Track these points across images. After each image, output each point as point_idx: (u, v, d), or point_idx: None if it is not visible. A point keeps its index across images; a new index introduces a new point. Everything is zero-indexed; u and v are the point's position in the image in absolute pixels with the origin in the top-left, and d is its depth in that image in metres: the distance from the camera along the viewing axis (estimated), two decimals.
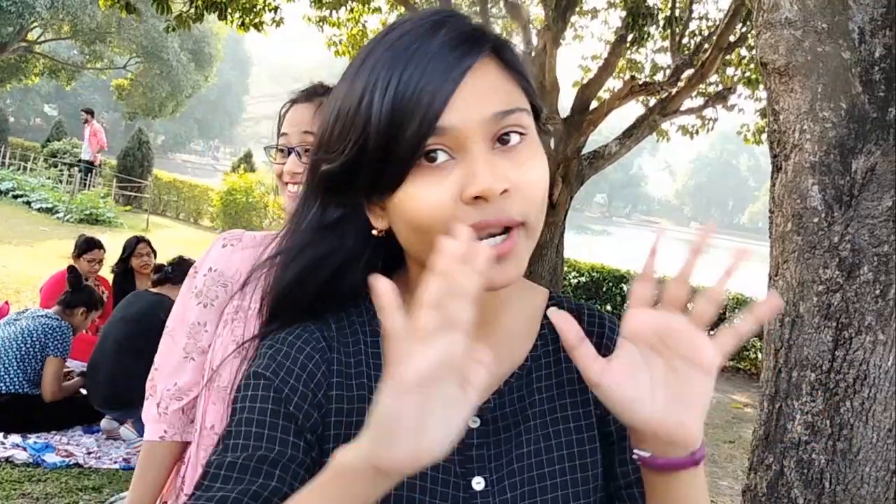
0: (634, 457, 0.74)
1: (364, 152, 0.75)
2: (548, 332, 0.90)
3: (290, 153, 1.50)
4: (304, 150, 1.48)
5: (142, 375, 4.63)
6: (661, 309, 0.70)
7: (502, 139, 0.75)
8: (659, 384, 0.69)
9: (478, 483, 0.81)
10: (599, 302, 11.45)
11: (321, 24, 10.36)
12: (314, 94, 1.59)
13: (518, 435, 0.84)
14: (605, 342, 0.91)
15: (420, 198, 0.73)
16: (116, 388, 4.35)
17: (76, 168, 16.79)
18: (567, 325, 0.69)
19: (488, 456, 0.83)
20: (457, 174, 0.73)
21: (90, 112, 17.12)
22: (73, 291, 4.63)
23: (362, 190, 0.79)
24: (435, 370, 0.57)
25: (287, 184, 1.51)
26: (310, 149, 1.18)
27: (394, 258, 0.88)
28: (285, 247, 0.86)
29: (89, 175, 16.62)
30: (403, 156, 0.73)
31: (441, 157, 0.74)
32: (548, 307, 0.91)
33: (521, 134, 0.76)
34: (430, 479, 0.80)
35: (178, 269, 4.69)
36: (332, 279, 0.85)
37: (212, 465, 0.76)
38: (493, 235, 0.74)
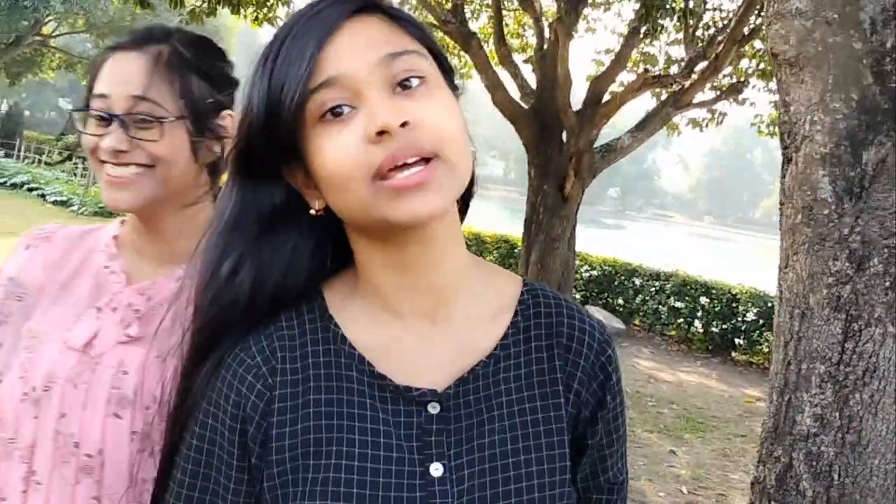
0: None
1: (262, 118, 0.77)
2: (520, 321, 0.88)
3: (110, 122, 1.08)
4: (133, 120, 1.08)
5: None
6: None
7: (403, 84, 0.76)
8: None
9: (436, 469, 0.80)
10: (611, 296, 11.44)
11: None
12: (148, 39, 1.17)
13: (481, 424, 0.82)
14: (571, 334, 0.88)
15: (328, 149, 0.75)
16: None
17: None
18: None
19: (447, 443, 0.81)
20: (359, 119, 0.74)
21: None
22: None
23: (280, 159, 0.80)
24: None
25: (104, 163, 1.10)
26: (143, 118, 1.07)
27: (341, 252, 0.88)
28: (216, 256, 0.83)
29: None
30: (293, 109, 0.75)
31: (345, 110, 0.75)
32: (522, 295, 0.90)
33: (419, 77, 0.77)
34: (384, 468, 0.79)
35: None
36: (283, 280, 0.85)
37: None
38: (409, 168, 0.74)
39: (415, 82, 0.76)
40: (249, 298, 0.83)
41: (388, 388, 0.82)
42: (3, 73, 28.16)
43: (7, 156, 18.73)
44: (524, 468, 0.82)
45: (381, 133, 0.72)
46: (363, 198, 0.74)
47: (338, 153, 0.74)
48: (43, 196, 15.16)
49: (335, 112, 0.75)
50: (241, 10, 8.82)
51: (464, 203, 0.91)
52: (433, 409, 0.82)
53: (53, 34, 27.50)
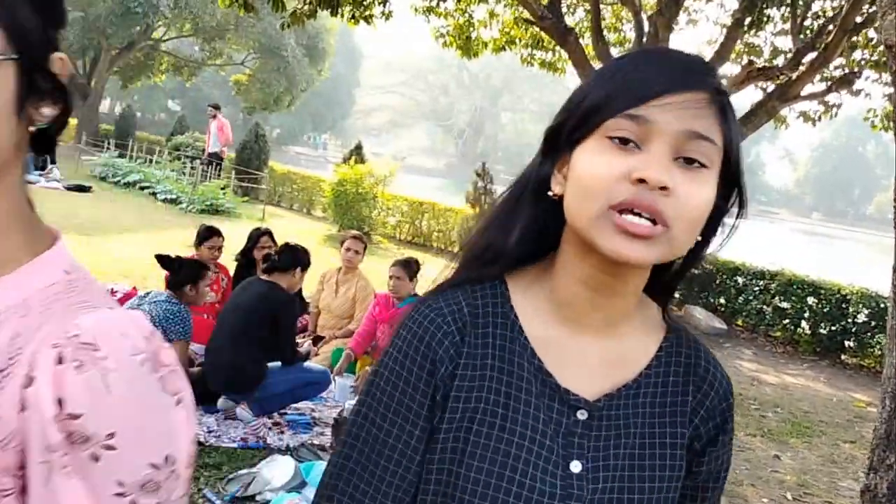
0: None
1: (582, 109, 0.88)
2: (663, 356, 0.99)
3: None
4: None
5: (256, 360, 4.83)
6: None
7: (687, 159, 0.84)
8: None
9: (575, 466, 0.92)
10: (713, 295, 11.13)
11: (428, 14, 10.45)
12: None
13: (618, 437, 0.94)
14: (704, 376, 1.00)
15: (596, 164, 0.85)
16: (233, 373, 4.56)
17: (198, 160, 17.55)
18: None
19: (589, 446, 0.93)
20: (634, 159, 0.83)
21: (217, 107, 17.85)
22: (172, 273, 4.79)
23: (565, 142, 0.90)
24: None
25: None
26: None
27: (539, 246, 0.98)
28: (505, 198, 1.00)
29: (219, 168, 17.33)
30: (603, 115, 0.85)
31: (630, 143, 0.84)
32: (668, 332, 1.01)
33: (703, 165, 0.85)
34: (535, 456, 0.91)
35: (285, 257, 4.86)
36: (518, 242, 0.97)
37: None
38: (641, 218, 0.82)
39: (696, 165, 0.84)
40: (500, 248, 0.97)
41: (550, 386, 0.94)
42: (118, 77, 29.63)
43: (121, 156, 19.63)
44: (648, 481, 0.94)
45: (640, 181, 0.81)
46: (592, 217, 0.84)
47: (600, 174, 0.84)
48: (154, 194, 15.83)
49: (623, 140, 0.84)
50: (340, 11, 8.98)
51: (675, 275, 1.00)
52: (581, 415, 0.94)
53: (163, 38, 28.74)
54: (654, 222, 0.82)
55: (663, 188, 0.81)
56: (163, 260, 4.82)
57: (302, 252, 5.02)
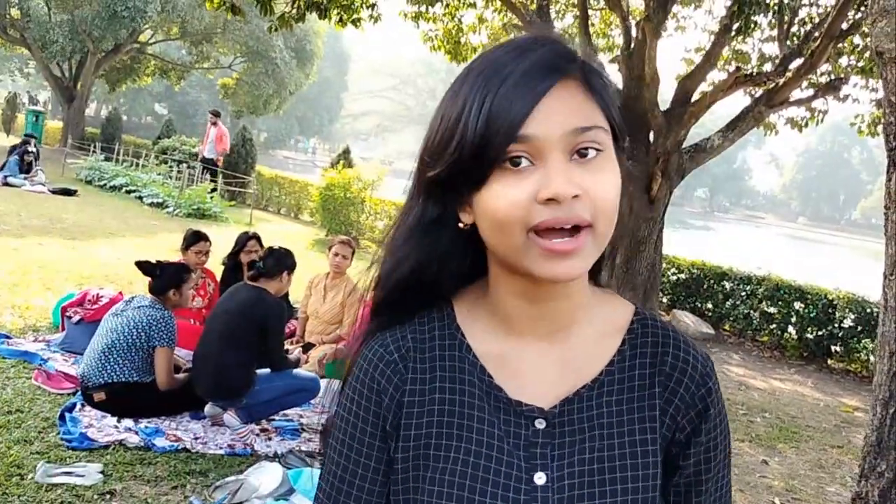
0: None
1: (461, 157, 0.85)
2: (627, 350, 0.96)
3: None
4: None
5: (245, 367, 4.80)
6: None
7: (580, 152, 0.84)
8: None
9: (539, 478, 0.89)
10: (700, 300, 11.17)
11: (417, 19, 10.45)
12: None
13: (582, 441, 0.91)
14: (675, 364, 0.95)
15: (501, 196, 0.84)
16: (221, 379, 4.51)
17: (185, 164, 17.47)
18: None
19: (551, 455, 0.90)
20: (534, 178, 0.83)
21: (217, 114, 17.80)
22: (153, 279, 4.73)
23: (457, 189, 0.89)
24: None
25: None
26: None
27: (475, 263, 0.98)
28: (391, 245, 0.98)
29: (213, 174, 17.26)
30: (491, 159, 0.83)
31: (524, 163, 0.83)
32: (632, 324, 0.98)
33: (597, 150, 0.85)
34: (493, 473, 0.89)
35: (271, 262, 4.78)
36: (432, 278, 0.96)
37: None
38: (562, 234, 0.83)
39: (591, 154, 0.85)
40: (412, 283, 0.96)
41: (502, 400, 0.93)
42: (104, 80, 29.50)
43: (107, 159, 19.53)
44: (619, 484, 0.90)
45: (550, 200, 0.81)
46: (516, 245, 0.84)
47: (509, 204, 0.83)
48: (140, 198, 15.75)
49: (514, 162, 0.83)
50: (328, 14, 8.96)
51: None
52: (539, 424, 0.91)
53: (149, 42, 28.63)
54: (576, 229, 0.83)
55: (575, 196, 0.82)
56: (143, 266, 4.77)
57: (287, 255, 4.97)
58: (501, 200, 0.83)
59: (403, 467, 0.93)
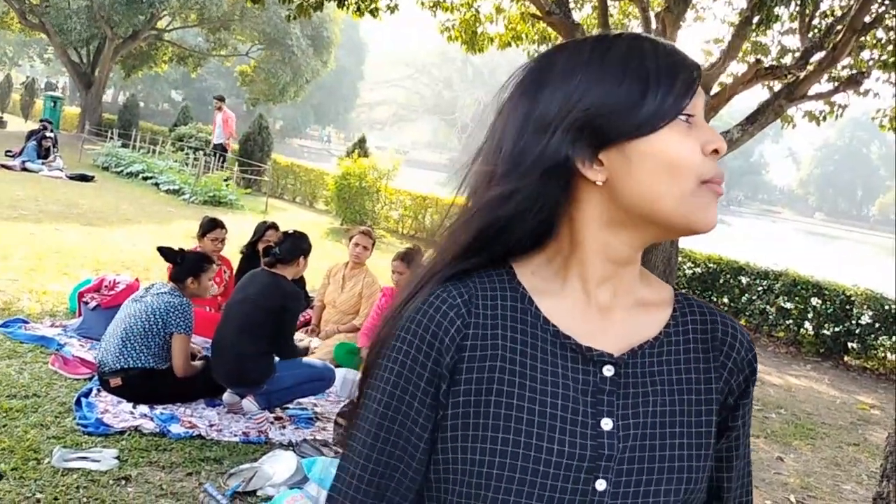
0: None
1: (646, 94, 0.89)
2: (678, 316, 1.01)
3: None
4: None
5: (264, 354, 4.81)
6: None
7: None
8: None
9: (606, 424, 0.91)
10: (716, 294, 11.10)
11: (434, 8, 10.39)
12: None
13: (646, 394, 0.94)
14: (725, 331, 1.02)
15: (678, 143, 0.89)
16: (240, 368, 4.52)
17: (202, 151, 17.53)
18: None
19: (618, 403, 0.93)
20: (698, 135, 0.91)
21: (222, 99, 17.87)
22: (174, 265, 4.75)
23: (609, 134, 0.89)
24: None
25: None
26: None
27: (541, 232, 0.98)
28: (499, 178, 0.94)
29: (223, 160, 17.34)
30: (675, 102, 0.89)
31: (691, 121, 0.91)
32: (676, 297, 1.04)
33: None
34: (560, 418, 0.90)
35: (287, 248, 4.77)
36: (520, 228, 0.95)
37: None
38: None
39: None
40: (507, 224, 0.94)
41: (570, 347, 0.94)
42: (121, 67, 29.57)
43: (124, 146, 19.59)
44: (679, 438, 0.94)
45: (714, 151, 0.90)
46: (686, 192, 0.89)
47: (688, 152, 0.89)
48: (157, 185, 15.79)
49: (689, 118, 0.90)
50: (345, 3, 8.93)
51: None
52: (608, 371, 0.94)
53: (167, 28, 28.66)
54: None
55: (716, 151, 0.91)
56: (165, 252, 4.78)
57: (302, 239, 4.95)
58: (681, 147, 0.89)
59: (464, 412, 0.92)
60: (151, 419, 4.25)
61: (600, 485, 0.90)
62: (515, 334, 0.94)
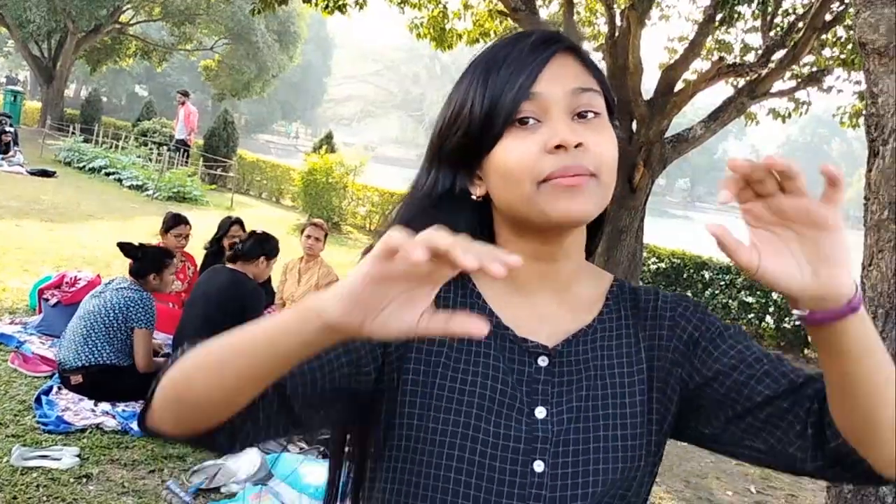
0: (795, 316, 0.83)
1: (473, 121, 0.96)
2: (612, 305, 1.06)
3: None
4: None
5: None
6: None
7: (580, 114, 0.95)
8: (799, 253, 0.78)
9: (540, 412, 0.97)
10: (679, 289, 11.23)
11: (402, 5, 10.37)
12: None
13: (580, 380, 0.99)
14: (647, 305, 1.07)
15: (512, 150, 0.94)
16: None
17: (165, 147, 17.33)
18: (723, 233, 0.77)
19: (552, 392, 0.98)
20: (542, 132, 0.93)
21: (186, 94, 17.65)
22: (134, 261, 4.69)
23: (469, 155, 0.98)
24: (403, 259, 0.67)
25: None
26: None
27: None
28: (399, 220, 1.02)
29: (186, 155, 17.15)
30: (504, 118, 0.94)
31: (531, 121, 0.94)
32: (612, 286, 1.09)
33: (595, 112, 0.96)
34: (498, 404, 0.96)
35: (250, 245, 4.77)
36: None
37: None
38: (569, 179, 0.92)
39: (590, 115, 0.96)
40: None
41: (509, 338, 1.00)
42: (84, 61, 29.09)
43: (86, 141, 19.29)
44: (611, 419, 0.98)
45: (558, 147, 0.91)
46: (527, 194, 0.93)
47: (520, 156, 0.93)
48: (120, 180, 15.58)
49: (522, 121, 0.94)
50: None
51: (596, 227, 1.10)
52: (542, 362, 0.99)
53: (130, 22, 28.25)
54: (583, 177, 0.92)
55: (578, 145, 0.91)
56: (125, 248, 4.72)
57: (269, 240, 4.93)
58: (512, 154, 0.93)
59: (411, 400, 0.97)
60: (113, 416, 4.20)
61: (538, 466, 0.95)
62: None
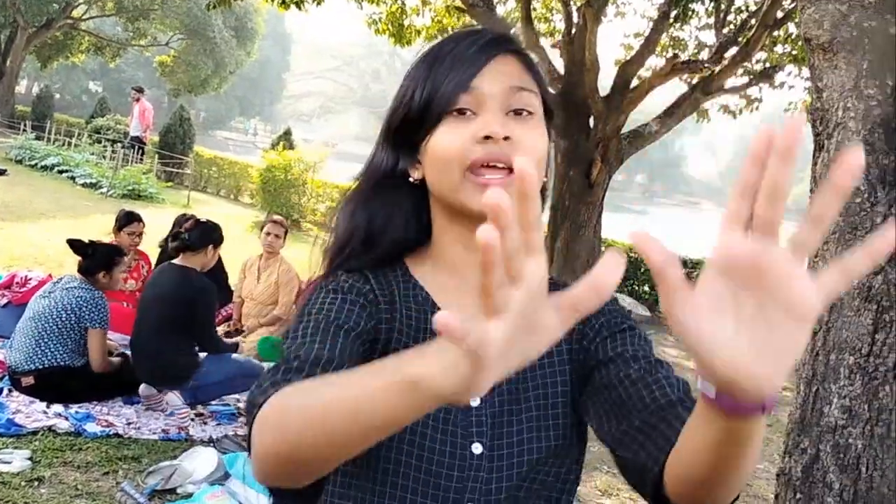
0: (699, 388, 0.69)
1: (412, 108, 1.03)
2: None
3: None
4: None
5: (185, 350, 4.72)
6: (754, 234, 0.59)
7: (516, 111, 1.01)
8: (745, 326, 0.59)
9: (476, 448, 1.00)
10: (637, 283, 11.37)
11: (360, 1, 10.34)
12: None
13: (510, 413, 1.03)
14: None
15: (444, 137, 1.00)
16: (163, 366, 4.45)
17: (119, 144, 17.05)
18: (650, 246, 0.62)
19: (488, 424, 1.02)
20: (475, 124, 0.99)
21: (140, 90, 17.37)
22: (84, 258, 4.60)
23: (411, 138, 1.04)
24: (512, 332, 0.59)
25: None
26: None
27: (426, 229, 1.10)
28: (350, 204, 1.10)
29: (141, 152, 16.89)
30: (442, 106, 1.00)
31: (467, 113, 1.00)
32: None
33: (529, 112, 1.02)
34: (436, 442, 0.99)
35: (196, 236, 4.69)
36: (386, 235, 1.08)
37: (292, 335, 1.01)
38: (496, 173, 0.97)
39: (524, 114, 1.01)
40: (366, 234, 1.08)
41: None
42: (35, 57, 28.47)
43: (38, 138, 18.89)
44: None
45: (486, 138, 0.97)
46: (454, 181, 0.99)
47: (450, 142, 0.99)
48: (73, 178, 15.29)
49: (460, 112, 1.00)
50: None
51: None
52: (474, 402, 1.02)
53: (83, 17, 27.71)
54: (509, 171, 0.96)
55: (506, 138, 0.96)
56: (75, 245, 4.63)
57: (214, 229, 4.85)
58: (444, 140, 0.99)
59: None
60: (66, 418, 4.12)
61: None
62: (419, 334, 1.05)
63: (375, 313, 1.04)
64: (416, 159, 1.06)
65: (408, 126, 1.04)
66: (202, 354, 4.63)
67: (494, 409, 1.03)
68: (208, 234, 4.76)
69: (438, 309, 1.01)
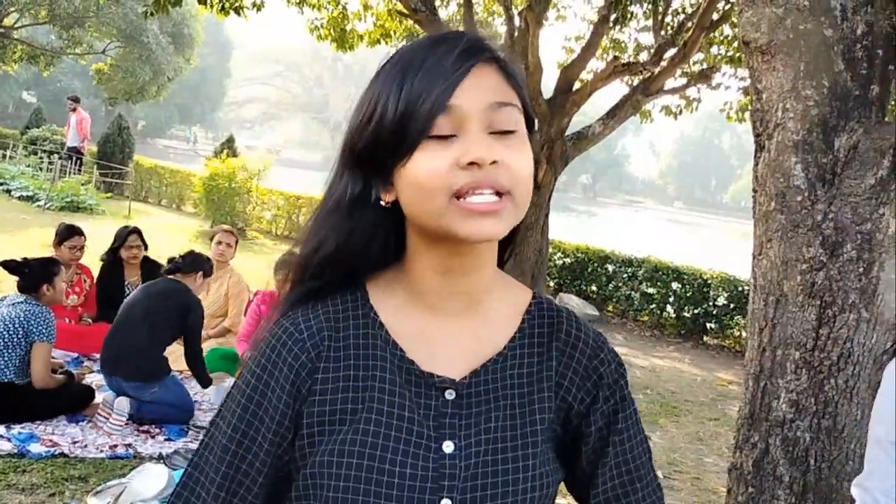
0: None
1: (383, 130, 0.91)
2: (527, 328, 1.04)
3: None
4: None
5: (160, 353, 4.90)
6: None
7: (499, 131, 0.91)
8: None
9: (448, 446, 0.95)
10: (585, 283, 11.48)
11: (301, 6, 10.25)
12: None
13: (488, 412, 0.98)
14: (567, 340, 1.04)
15: (424, 164, 0.89)
16: (141, 360, 4.53)
17: (56, 155, 16.61)
18: None
19: (459, 425, 0.96)
20: (456, 147, 0.89)
21: (76, 99, 16.94)
22: (21, 276, 4.50)
23: (381, 163, 0.94)
24: None
25: None
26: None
27: (395, 247, 1.02)
28: (314, 225, 1.01)
29: (79, 163, 16.49)
30: (418, 130, 0.89)
31: (449, 137, 0.89)
32: (530, 306, 1.05)
33: (513, 130, 0.92)
34: (403, 441, 0.94)
35: (189, 259, 4.93)
36: (353, 258, 1.00)
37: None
38: (483, 197, 0.89)
39: (508, 133, 0.91)
40: (333, 263, 0.99)
41: (414, 373, 0.97)
42: None
43: None
44: (519, 449, 0.97)
45: (471, 164, 0.87)
46: (439, 209, 0.89)
47: (431, 170, 0.89)
48: (8, 191, 14.84)
49: (440, 137, 0.89)
50: (208, 0, 8.69)
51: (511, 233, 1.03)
52: (449, 395, 0.97)
53: (15, 26, 26.93)
54: (498, 195, 0.89)
55: (493, 162, 0.88)
56: (9, 266, 4.51)
57: (206, 260, 5.09)
58: (425, 168, 0.89)
59: (318, 439, 0.94)
60: (8, 440, 4.00)
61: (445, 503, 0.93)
62: (366, 361, 0.98)
63: (308, 376, 0.96)
64: (389, 182, 0.95)
65: (377, 151, 0.93)
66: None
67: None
68: (199, 262, 4.98)
69: (401, 352, 0.98)
